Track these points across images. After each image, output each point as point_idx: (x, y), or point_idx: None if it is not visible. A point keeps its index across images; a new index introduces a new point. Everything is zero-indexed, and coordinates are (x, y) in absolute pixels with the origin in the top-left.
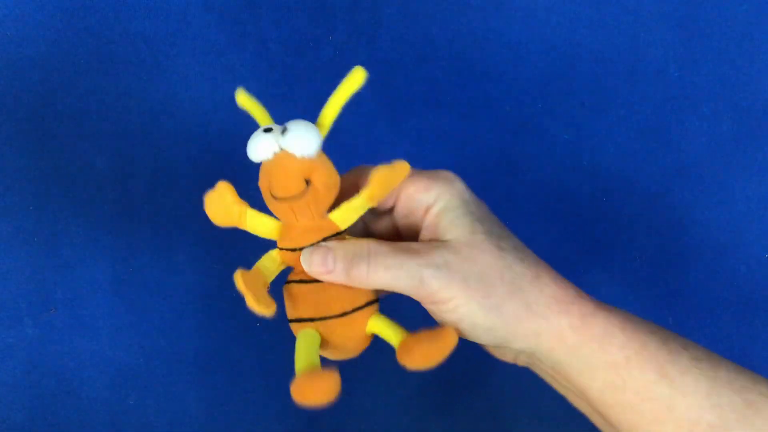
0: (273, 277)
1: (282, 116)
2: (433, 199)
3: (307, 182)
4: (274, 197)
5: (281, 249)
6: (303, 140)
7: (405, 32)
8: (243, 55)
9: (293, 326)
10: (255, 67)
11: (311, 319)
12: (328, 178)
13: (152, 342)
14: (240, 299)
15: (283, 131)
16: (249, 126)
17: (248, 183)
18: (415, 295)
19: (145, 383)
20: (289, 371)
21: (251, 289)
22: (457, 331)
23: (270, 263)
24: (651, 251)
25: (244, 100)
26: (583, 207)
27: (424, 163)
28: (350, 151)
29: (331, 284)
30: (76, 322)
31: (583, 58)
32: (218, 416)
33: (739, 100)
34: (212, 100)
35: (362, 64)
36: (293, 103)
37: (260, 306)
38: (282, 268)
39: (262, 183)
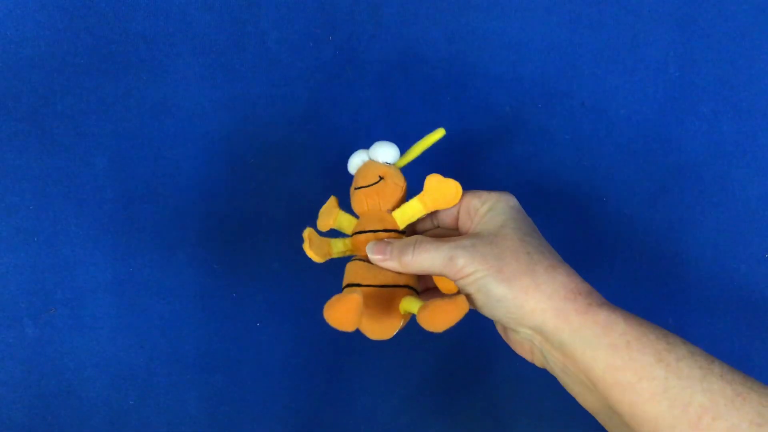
0: (335, 253)
1: (282, 116)
2: (485, 205)
3: (381, 178)
4: (355, 188)
5: (353, 234)
6: (382, 151)
7: (405, 32)
8: (243, 55)
9: (345, 291)
10: (255, 67)
11: (359, 284)
12: (395, 178)
13: (152, 342)
14: (240, 299)
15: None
16: (248, 126)
17: (246, 182)
18: (447, 272)
19: (145, 383)
20: (288, 371)
21: (312, 238)
22: (476, 303)
23: (340, 244)
24: (651, 251)
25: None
26: (583, 207)
27: (423, 163)
28: (350, 151)
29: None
30: (76, 322)
31: (583, 58)
32: (218, 416)
33: (739, 100)
34: (212, 100)
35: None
36: (293, 103)
37: (311, 250)
38: (347, 252)
39: (352, 186)
